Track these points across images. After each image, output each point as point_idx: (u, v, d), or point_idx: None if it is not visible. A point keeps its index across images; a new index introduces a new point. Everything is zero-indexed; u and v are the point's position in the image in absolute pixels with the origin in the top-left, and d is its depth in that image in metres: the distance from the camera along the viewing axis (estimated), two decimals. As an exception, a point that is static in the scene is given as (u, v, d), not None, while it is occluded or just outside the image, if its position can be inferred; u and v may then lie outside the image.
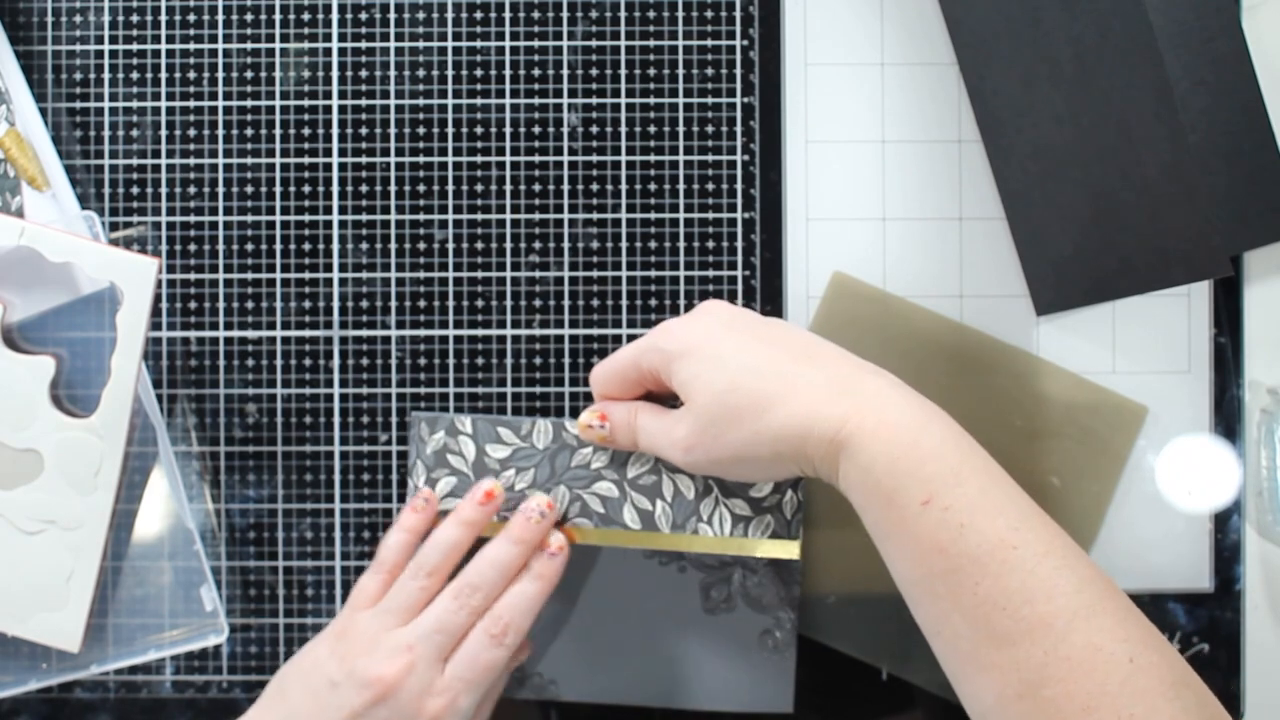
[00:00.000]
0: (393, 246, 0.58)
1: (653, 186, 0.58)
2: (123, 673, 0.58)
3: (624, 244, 0.58)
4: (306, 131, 0.58)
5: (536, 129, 0.58)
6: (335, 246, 0.58)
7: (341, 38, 0.58)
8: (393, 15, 0.58)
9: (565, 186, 0.58)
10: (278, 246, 0.58)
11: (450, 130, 0.58)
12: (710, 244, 0.58)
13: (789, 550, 0.54)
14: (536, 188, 0.58)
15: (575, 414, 0.56)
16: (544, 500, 0.53)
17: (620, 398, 0.53)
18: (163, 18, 0.58)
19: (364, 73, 0.58)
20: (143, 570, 0.57)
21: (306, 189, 0.58)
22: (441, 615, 0.51)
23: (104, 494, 0.54)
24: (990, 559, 0.43)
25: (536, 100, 0.58)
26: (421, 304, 0.58)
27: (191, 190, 0.58)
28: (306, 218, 0.58)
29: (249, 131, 0.58)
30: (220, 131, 0.58)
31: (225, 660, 0.58)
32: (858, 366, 0.48)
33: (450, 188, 0.58)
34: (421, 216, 0.58)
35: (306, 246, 0.58)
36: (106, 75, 0.58)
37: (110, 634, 0.57)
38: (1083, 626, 0.42)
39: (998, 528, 0.43)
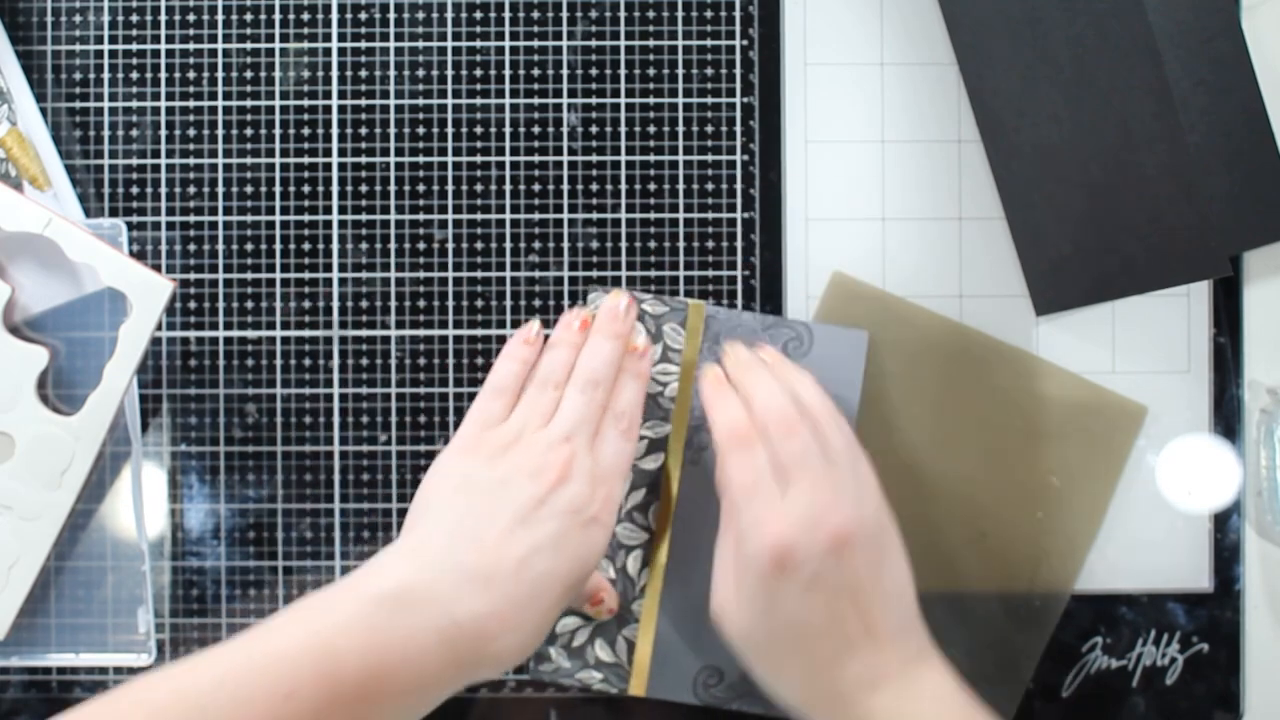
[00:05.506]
0: (393, 246, 0.58)
1: (653, 186, 0.58)
2: (49, 672, 0.58)
3: (624, 244, 0.58)
4: (306, 131, 0.58)
5: (536, 129, 0.58)
6: (335, 246, 0.58)
7: (341, 38, 0.58)
8: (393, 15, 0.58)
9: (565, 186, 0.58)
10: (278, 246, 0.58)
11: (450, 130, 0.58)
12: (710, 244, 0.58)
13: None
14: (536, 188, 0.58)
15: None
16: (624, 297, 0.55)
17: None
18: (163, 18, 0.58)
19: (364, 73, 0.58)
20: (85, 572, 0.57)
21: (306, 189, 0.58)
22: (581, 409, 0.52)
23: (67, 493, 0.54)
24: None
25: (536, 100, 0.58)
26: (421, 304, 0.58)
27: (191, 190, 0.58)
28: (306, 218, 0.58)
29: (249, 131, 0.58)
30: (220, 131, 0.58)
31: (225, 660, 0.58)
32: (908, 661, 0.49)
33: (450, 188, 0.58)
34: (421, 216, 0.58)
35: (306, 246, 0.58)
36: (106, 75, 0.58)
37: (39, 629, 0.57)
38: None
39: None
